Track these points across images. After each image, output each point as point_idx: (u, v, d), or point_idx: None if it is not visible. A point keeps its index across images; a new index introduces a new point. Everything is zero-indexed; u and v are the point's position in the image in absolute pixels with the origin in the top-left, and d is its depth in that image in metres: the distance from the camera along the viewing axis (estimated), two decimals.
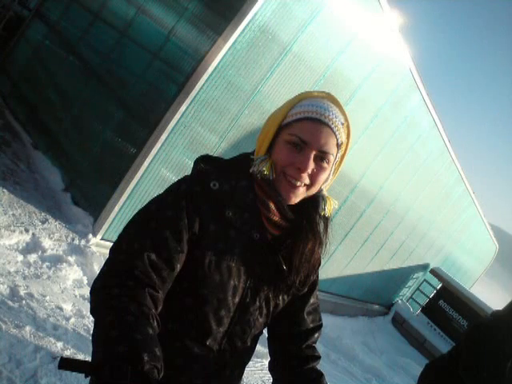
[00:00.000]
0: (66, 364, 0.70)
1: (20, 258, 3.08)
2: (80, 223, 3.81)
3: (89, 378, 0.82)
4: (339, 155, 1.04)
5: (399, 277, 9.16)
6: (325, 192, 1.08)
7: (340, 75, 4.68)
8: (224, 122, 3.81)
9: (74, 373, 2.07)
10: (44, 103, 5.27)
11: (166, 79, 4.29)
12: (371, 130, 5.52)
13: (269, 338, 1.20)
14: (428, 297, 10.11)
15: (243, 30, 3.48)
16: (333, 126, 0.98)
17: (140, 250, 0.91)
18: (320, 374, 1.13)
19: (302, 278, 1.08)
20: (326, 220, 1.09)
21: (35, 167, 4.44)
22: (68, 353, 2.58)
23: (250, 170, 1.02)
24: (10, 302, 2.64)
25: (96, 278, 0.91)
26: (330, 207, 1.07)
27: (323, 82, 4.45)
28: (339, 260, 6.69)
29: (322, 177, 1.01)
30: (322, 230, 1.08)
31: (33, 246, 3.27)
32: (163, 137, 3.54)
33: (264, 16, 3.56)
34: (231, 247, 1.00)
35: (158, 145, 3.56)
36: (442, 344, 8.49)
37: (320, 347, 4.29)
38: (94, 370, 0.70)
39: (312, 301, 1.18)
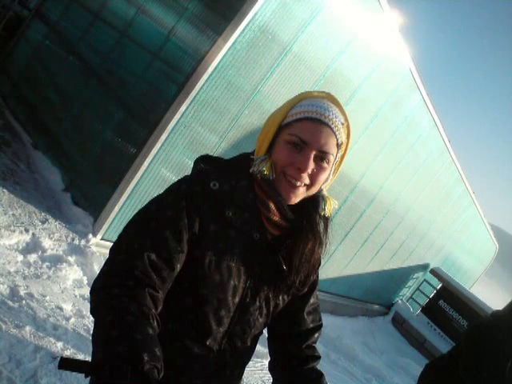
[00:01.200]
0: (66, 364, 0.70)
1: (20, 258, 3.08)
2: (80, 223, 3.81)
3: (89, 378, 0.82)
4: (339, 155, 1.04)
5: (399, 277, 9.16)
6: (325, 192, 1.08)
7: (340, 75, 4.68)
8: (224, 122, 3.81)
9: (73, 373, 2.07)
10: (44, 103, 5.27)
11: (165, 79, 4.29)
12: (371, 129, 5.52)
13: (269, 338, 1.20)
14: (428, 297, 10.11)
15: (243, 29, 3.48)
16: (333, 126, 0.98)
17: (140, 250, 0.91)
18: (320, 374, 1.13)
19: (301, 278, 1.08)
20: (326, 220, 1.09)
21: (35, 167, 4.44)
22: (68, 353, 2.58)
23: (250, 170, 1.02)
24: (10, 302, 2.64)
25: (96, 278, 0.91)
26: (330, 207, 1.07)
27: (323, 81, 4.44)
28: (339, 260, 6.69)
29: (322, 177, 1.01)
30: (321, 230, 1.08)
31: (33, 246, 3.27)
32: (163, 137, 3.54)
33: (264, 16, 3.56)
34: (231, 247, 1.00)
35: (158, 145, 3.56)
36: (442, 344, 8.49)
37: (320, 347, 4.29)
38: (94, 369, 0.70)
39: (312, 301, 1.18)
